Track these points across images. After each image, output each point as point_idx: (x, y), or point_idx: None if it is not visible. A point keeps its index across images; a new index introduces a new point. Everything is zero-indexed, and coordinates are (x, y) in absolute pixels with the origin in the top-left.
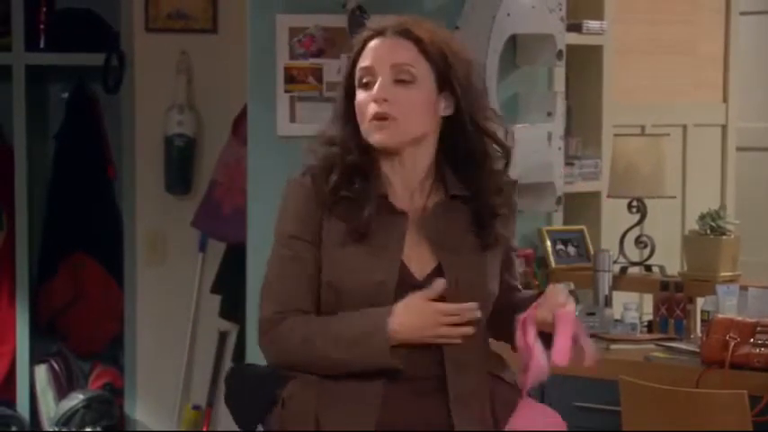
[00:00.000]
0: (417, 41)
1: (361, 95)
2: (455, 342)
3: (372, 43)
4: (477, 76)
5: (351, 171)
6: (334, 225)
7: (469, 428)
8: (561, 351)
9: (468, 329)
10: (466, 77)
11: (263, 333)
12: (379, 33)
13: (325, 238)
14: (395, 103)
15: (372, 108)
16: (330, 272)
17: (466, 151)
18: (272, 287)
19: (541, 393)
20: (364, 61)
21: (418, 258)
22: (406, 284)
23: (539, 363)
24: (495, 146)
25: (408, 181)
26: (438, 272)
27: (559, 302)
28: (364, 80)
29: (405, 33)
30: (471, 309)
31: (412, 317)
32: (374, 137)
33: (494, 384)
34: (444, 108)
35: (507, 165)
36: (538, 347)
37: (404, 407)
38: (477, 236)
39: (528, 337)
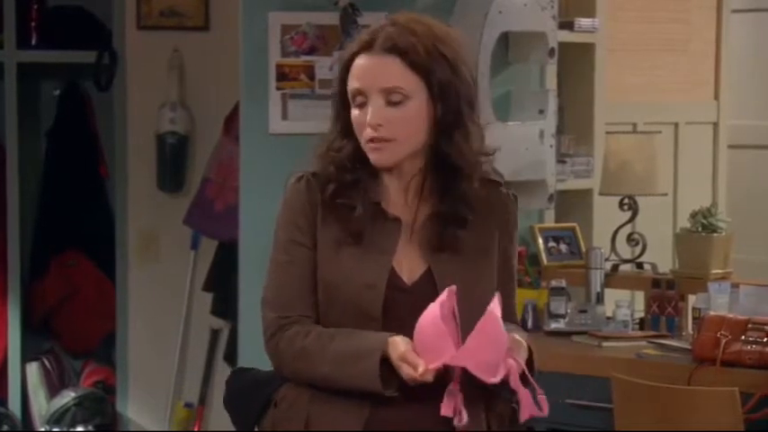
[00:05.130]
0: (404, 55)
1: (355, 113)
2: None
3: (360, 62)
4: (463, 73)
5: (349, 184)
6: (329, 229)
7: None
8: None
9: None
10: (449, 81)
11: (267, 338)
12: (367, 48)
13: (319, 242)
14: (390, 126)
15: (368, 133)
16: (323, 274)
17: (446, 157)
18: (273, 292)
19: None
20: (354, 82)
21: (409, 264)
22: (396, 289)
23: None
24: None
25: (404, 186)
26: (427, 276)
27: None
28: (356, 100)
29: (392, 49)
30: (423, 372)
31: (393, 352)
32: (372, 157)
33: (488, 398)
34: (440, 111)
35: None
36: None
37: (395, 408)
38: (469, 242)
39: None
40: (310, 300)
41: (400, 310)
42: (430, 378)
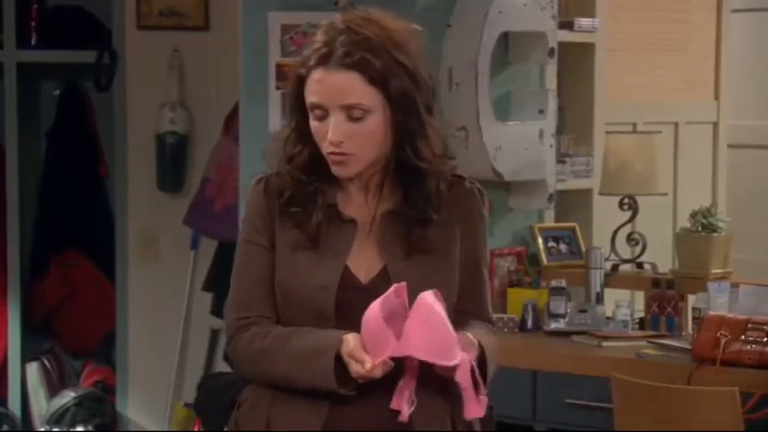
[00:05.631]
0: (363, 71)
1: (314, 124)
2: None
3: (317, 76)
4: (422, 78)
5: (306, 193)
6: (287, 231)
7: (428, 428)
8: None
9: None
10: (407, 91)
11: (228, 339)
12: (323, 62)
13: (277, 243)
14: (351, 141)
15: (329, 148)
16: (280, 276)
17: (407, 160)
18: (233, 293)
19: (533, 390)
20: (312, 96)
21: (366, 263)
22: (350, 288)
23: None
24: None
25: (364, 185)
26: (383, 274)
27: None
28: (316, 113)
29: (350, 66)
30: (370, 368)
31: (344, 350)
32: (335, 170)
33: (452, 400)
34: (399, 119)
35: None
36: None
37: (354, 406)
38: (427, 239)
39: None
40: (269, 300)
41: (356, 308)
42: (378, 374)
